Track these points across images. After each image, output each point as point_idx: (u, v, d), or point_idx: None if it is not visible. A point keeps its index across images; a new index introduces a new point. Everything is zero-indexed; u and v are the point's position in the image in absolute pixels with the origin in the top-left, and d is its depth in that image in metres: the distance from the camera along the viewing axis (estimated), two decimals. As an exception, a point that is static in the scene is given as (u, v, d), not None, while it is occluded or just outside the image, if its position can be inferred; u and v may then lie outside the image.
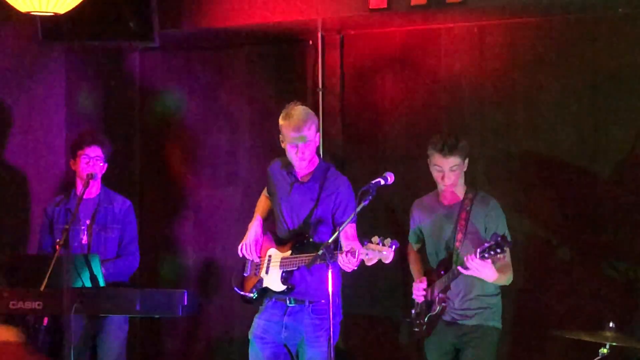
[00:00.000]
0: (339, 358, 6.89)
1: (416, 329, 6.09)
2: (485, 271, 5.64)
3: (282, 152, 5.92)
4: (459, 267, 5.69)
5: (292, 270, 5.83)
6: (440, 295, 5.92)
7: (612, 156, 6.73)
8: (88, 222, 6.62)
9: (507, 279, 5.87)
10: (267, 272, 5.93)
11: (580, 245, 6.80)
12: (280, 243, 5.96)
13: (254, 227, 6.12)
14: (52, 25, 6.80)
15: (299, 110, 5.82)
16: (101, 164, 6.64)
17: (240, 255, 6.05)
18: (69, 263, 5.69)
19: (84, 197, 6.57)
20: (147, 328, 7.90)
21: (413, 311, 6.13)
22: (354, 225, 5.81)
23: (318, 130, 5.90)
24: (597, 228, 6.74)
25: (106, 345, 6.60)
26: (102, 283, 5.89)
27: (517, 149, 6.99)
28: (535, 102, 6.94)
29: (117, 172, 7.07)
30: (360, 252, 5.38)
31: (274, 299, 5.95)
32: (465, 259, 5.65)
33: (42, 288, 5.59)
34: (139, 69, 8.14)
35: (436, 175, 5.96)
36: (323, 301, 5.81)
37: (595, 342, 5.45)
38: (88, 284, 5.83)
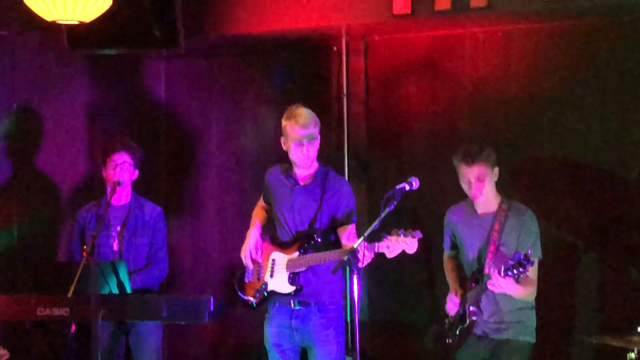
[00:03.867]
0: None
1: (449, 340, 6.07)
2: (509, 288, 5.62)
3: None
4: (487, 283, 5.67)
5: (299, 272, 5.86)
6: (471, 308, 5.89)
7: (639, 159, 6.70)
8: (119, 228, 6.64)
9: (529, 294, 5.83)
10: (272, 276, 5.96)
11: (608, 248, 6.77)
12: (283, 246, 6.00)
13: (253, 233, 6.16)
14: (78, 34, 6.84)
15: (303, 110, 5.90)
16: (131, 170, 6.65)
17: (245, 262, 6.08)
18: (96, 270, 5.71)
19: (115, 204, 6.62)
20: (173, 334, 7.92)
21: (447, 321, 6.11)
22: (354, 226, 5.88)
23: (319, 133, 5.92)
24: (624, 231, 6.71)
25: (141, 350, 6.61)
26: (129, 290, 5.91)
27: (543, 153, 6.97)
28: (560, 106, 6.91)
29: (142, 179, 7.09)
30: (379, 245, 5.41)
31: (277, 304, 5.99)
32: (488, 277, 5.64)
33: (69, 294, 5.61)
34: (164, 76, 8.18)
35: (465, 187, 5.94)
36: (328, 302, 5.90)
37: (623, 347, 5.43)
38: (115, 290, 5.85)
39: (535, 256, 5.76)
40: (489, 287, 5.66)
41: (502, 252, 5.82)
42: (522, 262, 5.45)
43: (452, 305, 6.05)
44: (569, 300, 6.83)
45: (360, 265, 5.37)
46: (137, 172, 6.72)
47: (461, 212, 6.13)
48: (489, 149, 5.89)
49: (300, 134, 5.83)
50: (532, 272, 5.75)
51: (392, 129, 7.47)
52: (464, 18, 6.87)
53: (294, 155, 5.90)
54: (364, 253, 5.39)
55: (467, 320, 5.90)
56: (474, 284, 5.90)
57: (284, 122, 5.92)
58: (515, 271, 5.47)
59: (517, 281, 5.59)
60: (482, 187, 5.87)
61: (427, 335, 7.04)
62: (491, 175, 5.89)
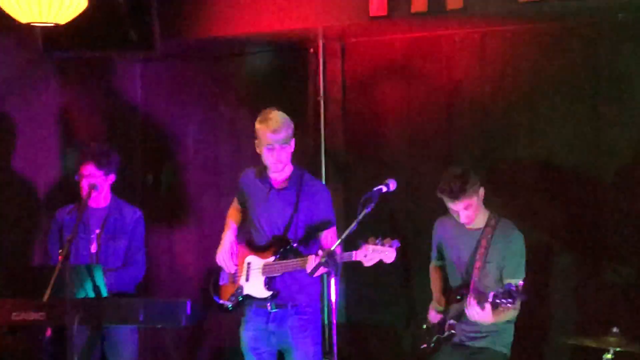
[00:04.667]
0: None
1: (423, 346, 6.06)
2: (485, 318, 5.58)
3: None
4: (466, 310, 5.63)
5: (275, 277, 5.84)
6: (451, 322, 5.89)
7: (614, 161, 6.72)
8: (97, 231, 6.61)
9: (509, 317, 5.84)
10: (247, 280, 5.95)
11: (583, 250, 6.80)
12: (259, 250, 5.99)
13: (228, 236, 6.14)
14: (53, 36, 6.79)
15: (276, 114, 5.88)
16: (100, 179, 6.58)
17: (223, 266, 6.06)
18: (71, 274, 5.67)
19: (94, 206, 6.60)
20: (150, 337, 7.90)
21: (425, 325, 6.10)
22: (334, 229, 5.89)
23: (292, 138, 5.91)
24: (599, 233, 6.73)
25: (117, 357, 6.58)
26: (105, 294, 5.88)
27: (518, 155, 6.98)
28: (536, 108, 6.93)
29: (118, 182, 7.05)
30: (356, 253, 5.42)
31: (254, 307, 5.98)
32: (467, 304, 5.62)
33: (45, 299, 5.57)
34: (140, 79, 8.15)
35: (454, 215, 5.93)
36: (304, 304, 5.92)
37: (599, 348, 5.45)
38: (91, 294, 5.82)
39: (520, 276, 5.76)
40: (467, 313, 5.63)
41: (487, 269, 5.83)
42: (512, 294, 5.40)
43: (432, 318, 6.05)
44: (544, 301, 6.85)
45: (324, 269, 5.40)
46: (112, 176, 6.67)
47: (449, 226, 6.11)
48: (472, 179, 5.82)
49: (271, 139, 5.83)
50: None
51: (369, 131, 7.47)
52: (440, 20, 6.87)
53: (266, 159, 5.90)
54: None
55: (445, 332, 5.90)
56: (459, 297, 5.88)
57: (256, 126, 5.91)
58: (503, 300, 5.42)
59: (497, 310, 5.55)
60: (470, 214, 5.87)
61: (404, 338, 7.07)
62: (477, 199, 5.87)
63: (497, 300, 5.45)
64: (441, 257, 6.20)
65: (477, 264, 5.84)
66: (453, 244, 6.05)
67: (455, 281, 6.02)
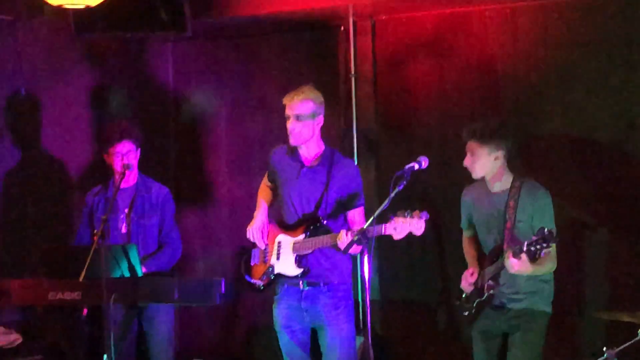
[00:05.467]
0: (377, 343, 6.95)
1: (465, 313, 6.07)
2: (524, 268, 5.62)
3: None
4: (504, 263, 5.68)
5: (306, 254, 5.86)
6: (489, 282, 5.90)
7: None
8: (126, 210, 6.64)
9: (546, 270, 5.84)
10: (278, 259, 5.97)
11: (618, 226, 6.76)
12: (289, 228, 6.00)
13: (260, 214, 6.16)
14: (84, 18, 6.83)
15: (302, 88, 5.94)
16: (136, 155, 6.65)
17: (256, 242, 6.08)
18: (107, 253, 5.72)
19: (122, 186, 6.59)
20: (185, 315, 7.95)
21: (464, 295, 6.11)
22: (362, 208, 5.89)
23: (318, 115, 5.93)
24: (633, 208, 6.69)
25: (154, 332, 6.63)
26: (140, 273, 5.92)
27: (552, 130, 6.95)
28: (569, 82, 6.88)
29: (151, 163, 7.09)
30: (386, 226, 5.42)
31: (286, 286, 6.00)
32: (505, 257, 5.65)
33: (80, 279, 5.63)
34: (171, 59, 8.18)
35: (467, 160, 5.96)
36: (336, 282, 5.92)
37: (635, 323, 5.43)
38: (127, 273, 5.86)
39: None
40: (506, 265, 5.67)
41: (518, 228, 5.82)
42: (546, 238, 5.44)
43: (466, 283, 6.05)
44: (579, 277, 6.83)
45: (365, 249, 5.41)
46: (139, 152, 6.69)
47: (475, 192, 6.13)
48: (502, 129, 5.92)
49: (287, 111, 5.91)
50: (553, 247, 5.75)
51: (400, 108, 7.46)
52: (471, -5, 6.85)
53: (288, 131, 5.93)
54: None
55: (485, 294, 5.91)
56: (493, 260, 5.90)
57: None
58: (538, 246, 5.46)
59: (535, 259, 5.58)
60: (473, 161, 5.92)
61: (438, 318, 7.07)
62: (501, 157, 5.90)
63: (532, 248, 5.48)
64: (472, 226, 6.20)
65: (508, 225, 5.84)
66: (481, 209, 6.06)
67: (488, 246, 6.02)
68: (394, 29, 7.44)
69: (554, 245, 5.64)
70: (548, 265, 5.81)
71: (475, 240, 6.19)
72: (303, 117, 5.86)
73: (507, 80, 7.08)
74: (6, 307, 6.80)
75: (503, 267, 5.75)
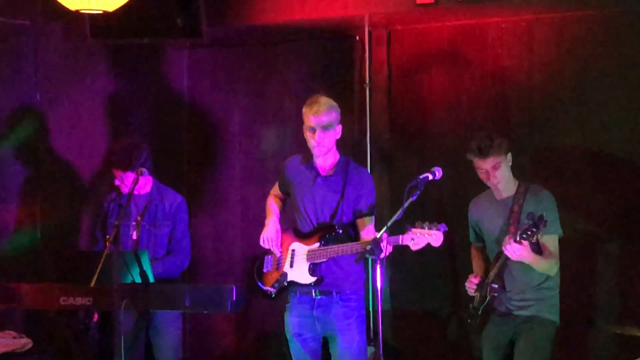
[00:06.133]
0: (388, 353, 6.94)
1: (472, 321, 6.07)
2: (525, 254, 5.63)
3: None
4: (503, 248, 5.69)
5: (320, 263, 5.86)
6: (492, 285, 5.90)
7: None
8: (138, 218, 6.64)
9: (548, 266, 5.83)
10: (291, 266, 5.96)
11: (630, 238, 6.74)
12: (303, 237, 5.99)
13: (272, 221, 6.15)
14: (101, 23, 6.85)
15: (321, 99, 5.90)
16: (132, 178, 6.49)
17: (271, 248, 6.08)
18: (118, 259, 5.72)
19: (136, 192, 6.57)
20: (195, 322, 7.95)
21: (471, 305, 6.11)
22: (373, 218, 5.89)
23: (339, 123, 5.92)
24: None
25: (161, 341, 6.62)
26: (151, 279, 5.92)
27: (566, 143, 6.94)
28: (584, 96, 6.88)
29: (165, 169, 7.10)
30: (403, 237, 5.42)
31: (298, 294, 5.99)
32: (505, 243, 5.65)
33: (92, 284, 5.63)
34: (186, 66, 8.19)
35: (482, 177, 5.97)
36: (349, 291, 5.91)
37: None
38: (138, 279, 5.86)
39: (556, 232, 5.83)
40: (505, 252, 5.67)
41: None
42: (536, 222, 5.47)
43: (470, 286, 6.04)
44: (591, 290, 6.81)
45: (382, 255, 5.39)
46: (146, 172, 6.57)
47: (482, 202, 6.15)
48: (499, 139, 5.90)
49: (313, 122, 5.85)
50: (552, 245, 5.79)
51: (414, 119, 7.45)
52: (487, 7, 6.84)
53: (309, 142, 5.91)
54: (386, 244, 5.41)
55: (488, 297, 5.90)
56: (494, 262, 5.91)
57: (303, 110, 5.94)
58: (529, 232, 5.50)
59: (530, 242, 5.60)
60: (498, 173, 5.90)
61: (449, 327, 7.05)
62: (505, 162, 5.91)
63: (524, 235, 5.52)
64: (479, 238, 6.20)
65: (511, 229, 5.85)
66: (487, 217, 6.07)
67: (494, 251, 6.03)
68: (409, 40, 7.44)
69: (556, 243, 5.69)
70: (550, 261, 5.82)
71: (483, 251, 6.20)
72: (329, 126, 5.86)
73: (522, 92, 7.08)
74: (18, 311, 6.81)
75: (505, 265, 5.76)
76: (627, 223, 6.75)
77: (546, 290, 5.90)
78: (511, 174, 5.98)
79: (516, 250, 5.62)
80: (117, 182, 6.60)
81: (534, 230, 5.50)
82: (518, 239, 5.56)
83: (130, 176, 6.51)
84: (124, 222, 6.54)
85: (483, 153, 5.86)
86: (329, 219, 5.93)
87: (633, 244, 6.73)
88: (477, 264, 6.24)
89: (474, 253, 6.29)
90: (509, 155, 5.93)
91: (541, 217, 5.50)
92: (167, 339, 6.66)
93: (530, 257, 5.69)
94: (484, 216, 6.11)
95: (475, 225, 6.21)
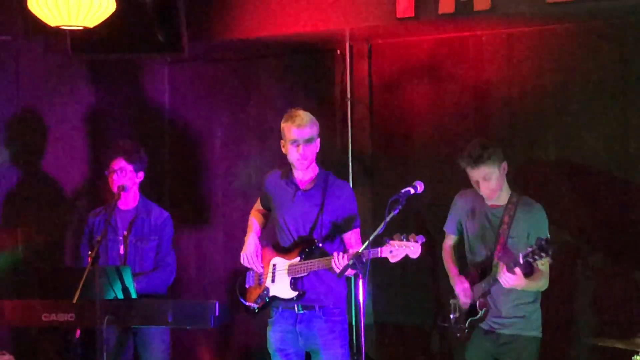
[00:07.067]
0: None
1: (458, 334, 6.06)
2: (518, 282, 5.63)
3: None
4: (498, 277, 5.67)
5: (301, 277, 5.86)
6: (480, 300, 5.89)
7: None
8: (125, 233, 6.64)
9: (540, 285, 5.84)
10: (273, 281, 5.96)
11: (612, 251, 6.77)
12: (284, 251, 6.00)
13: (252, 238, 6.15)
14: (81, 38, 6.84)
15: (301, 112, 5.92)
16: (131, 175, 6.63)
17: (250, 266, 6.07)
18: (101, 275, 5.71)
19: (123, 207, 6.62)
20: (179, 338, 7.93)
21: (452, 316, 6.09)
22: (357, 230, 5.90)
23: (318, 137, 5.93)
24: (628, 234, 6.70)
25: (147, 355, 6.60)
26: (134, 295, 5.91)
27: (546, 155, 6.96)
28: (564, 108, 6.91)
29: (145, 184, 7.09)
30: (382, 249, 5.44)
31: (281, 309, 5.99)
32: (499, 270, 5.64)
33: (74, 300, 5.61)
34: (167, 81, 8.19)
35: (475, 186, 5.96)
36: (332, 306, 5.91)
37: (628, 350, 5.42)
38: (120, 295, 5.85)
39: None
40: (500, 281, 5.66)
41: (510, 245, 5.82)
42: (544, 247, 5.41)
43: (464, 294, 6.00)
44: (573, 302, 6.83)
45: (353, 271, 5.43)
46: (141, 174, 6.70)
47: (471, 200, 6.10)
48: (492, 148, 5.88)
49: (295, 134, 5.86)
50: (546, 263, 5.75)
51: (396, 132, 7.47)
52: (467, 21, 6.86)
53: (291, 156, 5.91)
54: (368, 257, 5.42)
55: (479, 312, 5.89)
56: (479, 273, 5.91)
57: (282, 124, 5.95)
58: (536, 257, 5.45)
59: (530, 272, 5.60)
60: (491, 186, 5.88)
61: (432, 341, 7.05)
62: (498, 172, 5.88)
63: (529, 259, 5.48)
64: (458, 233, 6.18)
65: (501, 240, 5.84)
66: (475, 220, 6.05)
67: (475, 258, 6.01)
68: (390, 53, 7.47)
69: (547, 262, 5.65)
70: (542, 281, 5.82)
71: (457, 250, 6.18)
72: (311, 140, 5.87)
73: (502, 105, 7.10)
74: (0, 327, 6.78)
75: (494, 283, 5.76)
76: (607, 236, 6.77)
77: (526, 305, 5.89)
78: (506, 183, 5.97)
79: (510, 280, 5.61)
80: (113, 177, 6.57)
81: (542, 255, 5.44)
82: (520, 263, 5.51)
83: (129, 169, 6.53)
84: (111, 237, 6.57)
85: (474, 162, 5.84)
86: (308, 232, 5.93)
87: (613, 256, 6.76)
88: (451, 267, 6.18)
89: (448, 254, 6.24)
90: (504, 164, 5.91)
91: (547, 240, 5.44)
92: (154, 354, 6.64)
93: (523, 284, 5.67)
94: (471, 218, 6.07)
95: (458, 221, 6.17)
